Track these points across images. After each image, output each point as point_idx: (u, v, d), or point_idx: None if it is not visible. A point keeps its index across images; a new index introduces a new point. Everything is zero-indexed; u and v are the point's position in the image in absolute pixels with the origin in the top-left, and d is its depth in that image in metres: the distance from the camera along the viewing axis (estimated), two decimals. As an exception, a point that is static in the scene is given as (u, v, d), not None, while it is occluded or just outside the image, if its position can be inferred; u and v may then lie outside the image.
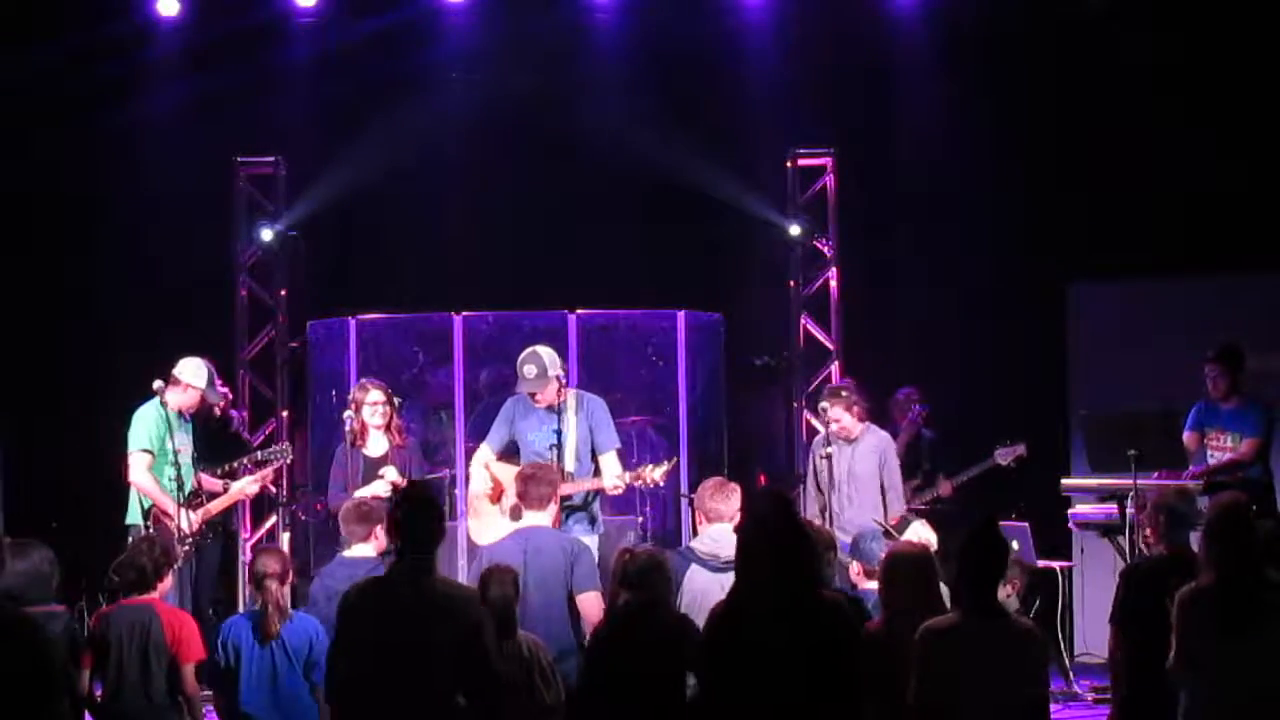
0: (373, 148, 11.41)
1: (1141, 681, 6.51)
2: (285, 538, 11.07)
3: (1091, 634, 10.09)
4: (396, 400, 9.40)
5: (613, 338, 10.78)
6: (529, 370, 8.71)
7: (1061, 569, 9.89)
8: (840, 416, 9.23)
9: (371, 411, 9.20)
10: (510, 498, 8.69)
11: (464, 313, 10.63)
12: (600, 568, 7.58)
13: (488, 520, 8.87)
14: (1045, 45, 11.52)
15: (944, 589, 6.22)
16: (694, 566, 7.37)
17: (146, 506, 8.93)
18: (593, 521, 8.75)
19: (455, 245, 11.75)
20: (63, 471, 11.19)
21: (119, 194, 11.75)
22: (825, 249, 11.60)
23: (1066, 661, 9.91)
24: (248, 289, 11.72)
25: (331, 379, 10.82)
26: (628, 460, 9.09)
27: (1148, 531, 6.99)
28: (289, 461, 9.88)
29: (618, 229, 11.79)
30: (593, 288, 10.98)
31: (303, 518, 11.04)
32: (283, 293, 11.66)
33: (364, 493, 8.79)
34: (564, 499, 8.44)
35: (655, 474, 8.73)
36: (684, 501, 10.22)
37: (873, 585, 7.03)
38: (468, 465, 10.37)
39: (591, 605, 7.22)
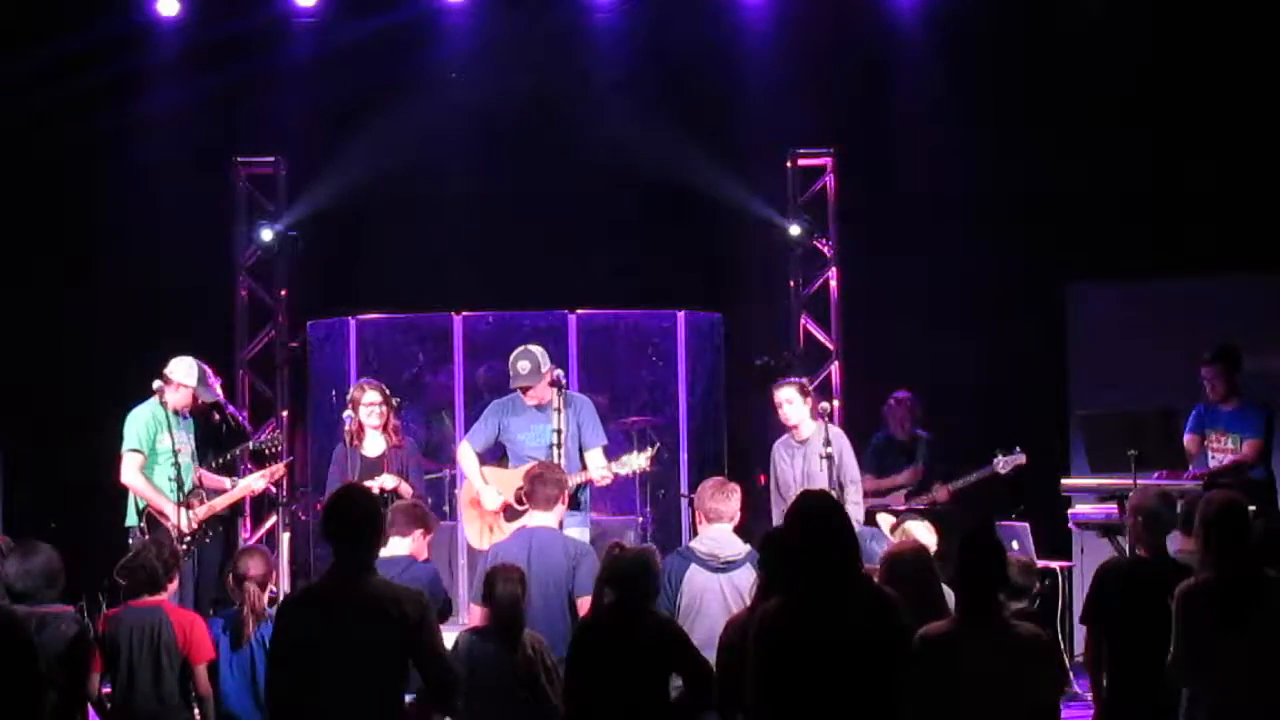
0: (373, 148, 11.41)
1: (1116, 681, 6.54)
2: (285, 538, 11.06)
3: (1091, 634, 10.08)
4: (395, 400, 9.41)
5: (613, 338, 10.79)
6: (523, 366, 8.72)
7: (1061, 569, 9.89)
8: (792, 398, 9.15)
9: (368, 412, 9.21)
10: (497, 502, 8.72)
11: (464, 313, 10.65)
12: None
13: (478, 524, 8.89)
14: (1045, 45, 11.52)
15: (947, 591, 6.21)
16: (693, 566, 7.37)
17: (141, 507, 8.93)
18: (583, 511, 8.78)
19: (455, 245, 11.74)
20: (63, 471, 11.19)
21: (119, 194, 11.75)
22: (825, 249, 11.61)
23: (1066, 661, 9.90)
24: (248, 289, 11.73)
25: (331, 379, 10.83)
26: (609, 455, 9.07)
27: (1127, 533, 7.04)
28: (281, 449, 9.87)
29: (618, 229, 11.79)
30: (593, 288, 10.99)
31: (303, 518, 11.06)
32: (283, 293, 11.67)
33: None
34: None
35: (640, 460, 8.78)
36: (684, 501, 10.22)
37: (873, 585, 7.02)
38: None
39: (590, 608, 7.23)
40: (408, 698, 5.70)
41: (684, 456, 10.54)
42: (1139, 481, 8.96)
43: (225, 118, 11.64)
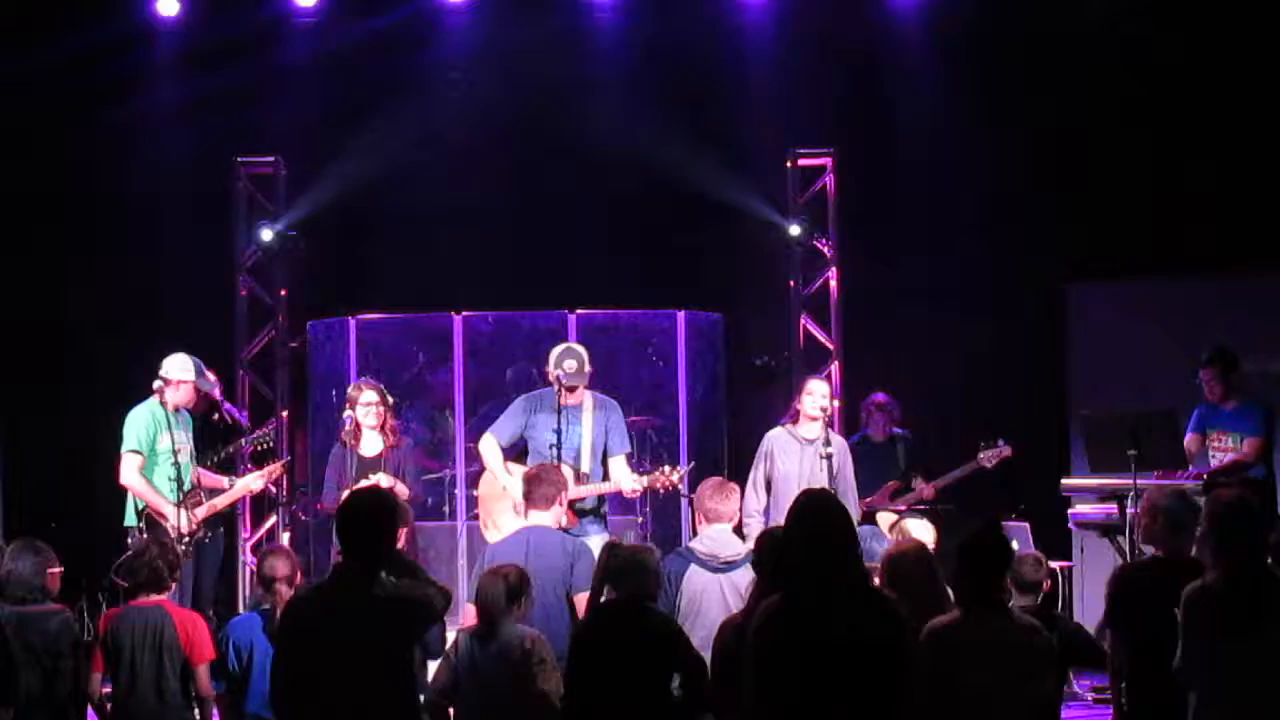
0: (372, 147, 11.42)
1: (1140, 686, 6.45)
2: (285, 538, 11.07)
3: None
4: (391, 400, 9.41)
5: (613, 338, 10.78)
6: (570, 364, 8.77)
7: (1061, 569, 9.89)
8: (826, 393, 9.16)
9: (365, 412, 9.20)
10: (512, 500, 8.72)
11: (464, 313, 10.64)
12: None
13: (499, 519, 8.90)
14: (1044, 45, 11.53)
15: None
16: (693, 566, 7.37)
17: (140, 508, 8.90)
18: (603, 521, 8.83)
19: (455, 245, 11.74)
20: (63, 471, 11.20)
21: (119, 194, 11.75)
22: (825, 249, 11.60)
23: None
24: (248, 289, 11.72)
25: (331, 379, 10.83)
26: (631, 462, 9.09)
27: (1140, 532, 6.96)
28: (273, 445, 9.86)
29: (618, 229, 11.79)
30: (593, 288, 10.99)
31: (303, 517, 11.06)
32: (283, 293, 11.66)
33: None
34: (578, 501, 8.52)
35: (674, 477, 8.81)
36: (684, 501, 10.22)
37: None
38: (467, 465, 10.40)
39: (587, 606, 7.24)
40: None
41: (684, 456, 10.54)
42: (1139, 481, 8.96)
43: (225, 118, 11.63)
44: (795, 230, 11.52)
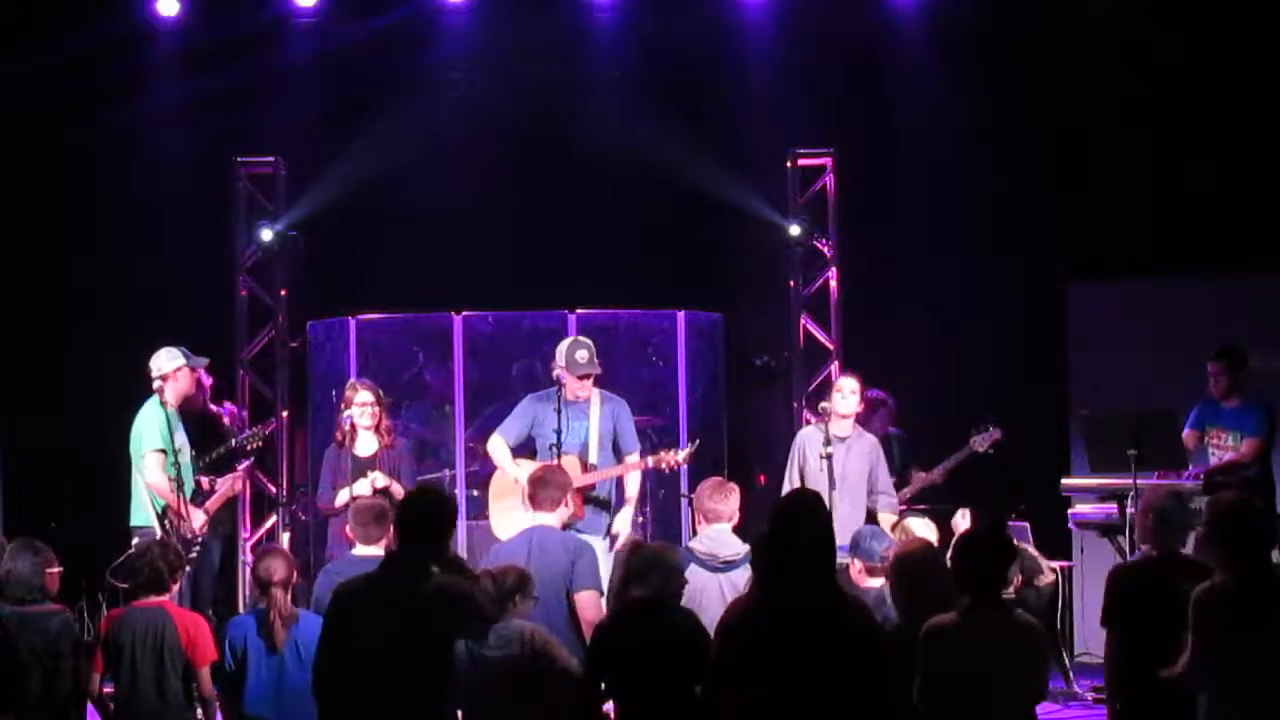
0: (372, 147, 11.41)
1: (1136, 684, 6.46)
2: (285, 538, 11.07)
3: (1091, 634, 10.10)
4: (388, 400, 9.40)
5: (613, 338, 10.77)
6: (581, 355, 8.83)
7: (1061, 569, 9.89)
8: (856, 389, 9.25)
9: (361, 412, 9.19)
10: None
11: (464, 313, 10.64)
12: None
13: (509, 515, 8.91)
14: (1044, 45, 11.53)
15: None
16: (692, 566, 7.37)
17: (160, 507, 8.83)
18: (610, 518, 8.86)
19: (455, 245, 11.74)
20: (63, 471, 11.19)
21: (119, 194, 11.75)
22: (825, 249, 11.60)
23: (1066, 661, 9.91)
24: (248, 289, 11.72)
25: (331, 379, 10.83)
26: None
27: (1137, 532, 6.97)
28: (259, 445, 9.85)
29: (618, 229, 11.79)
30: (593, 288, 10.99)
31: (303, 518, 11.06)
32: (283, 293, 11.66)
33: (348, 493, 8.81)
34: (589, 490, 8.60)
35: (679, 456, 8.87)
36: (684, 501, 10.22)
37: (874, 583, 7.03)
38: (467, 465, 10.41)
39: (586, 603, 7.26)
40: None
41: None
42: (1139, 481, 8.96)
43: (225, 118, 11.63)
44: (795, 230, 11.52)
